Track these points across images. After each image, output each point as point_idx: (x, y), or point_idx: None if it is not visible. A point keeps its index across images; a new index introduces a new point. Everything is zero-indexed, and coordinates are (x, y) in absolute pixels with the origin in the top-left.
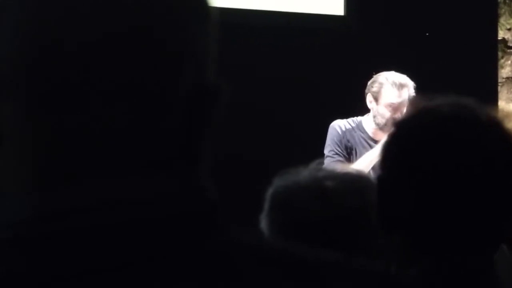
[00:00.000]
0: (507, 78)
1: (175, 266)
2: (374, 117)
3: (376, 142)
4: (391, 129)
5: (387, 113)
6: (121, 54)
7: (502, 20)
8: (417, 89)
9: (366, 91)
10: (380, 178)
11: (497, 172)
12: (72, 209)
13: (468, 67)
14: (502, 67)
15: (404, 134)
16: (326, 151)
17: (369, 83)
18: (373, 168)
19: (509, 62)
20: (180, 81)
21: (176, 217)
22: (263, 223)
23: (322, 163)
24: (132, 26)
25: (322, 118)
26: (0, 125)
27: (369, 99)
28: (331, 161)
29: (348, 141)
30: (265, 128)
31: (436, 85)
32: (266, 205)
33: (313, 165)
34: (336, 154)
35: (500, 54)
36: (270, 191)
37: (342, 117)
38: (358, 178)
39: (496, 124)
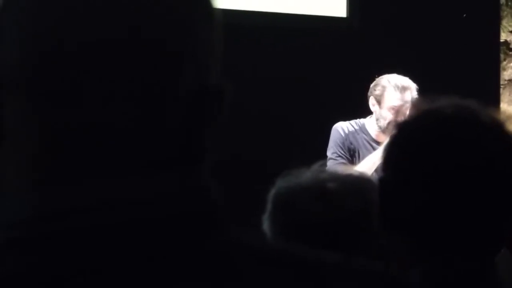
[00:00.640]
0: (509, 80)
1: (175, 266)
2: (377, 120)
3: (379, 144)
4: (393, 131)
5: (390, 116)
6: (121, 54)
7: (504, 23)
8: (419, 91)
9: (369, 94)
10: (382, 180)
11: (500, 174)
12: (72, 209)
13: (471, 69)
14: (504, 69)
15: (406, 135)
16: (329, 154)
17: (371, 86)
18: (376, 170)
19: (511, 64)
20: (180, 81)
21: (176, 217)
22: (266, 224)
23: (325, 164)
24: (132, 26)
25: (325, 119)
26: (0, 125)
27: (372, 102)
28: (334, 164)
29: (351, 143)
30: (268, 129)
31: (438, 87)
32: (269, 206)
33: (315, 166)
34: (339, 156)
35: (502, 56)
36: (272, 192)
37: (344, 119)
38: (359, 180)
39: (498, 126)
